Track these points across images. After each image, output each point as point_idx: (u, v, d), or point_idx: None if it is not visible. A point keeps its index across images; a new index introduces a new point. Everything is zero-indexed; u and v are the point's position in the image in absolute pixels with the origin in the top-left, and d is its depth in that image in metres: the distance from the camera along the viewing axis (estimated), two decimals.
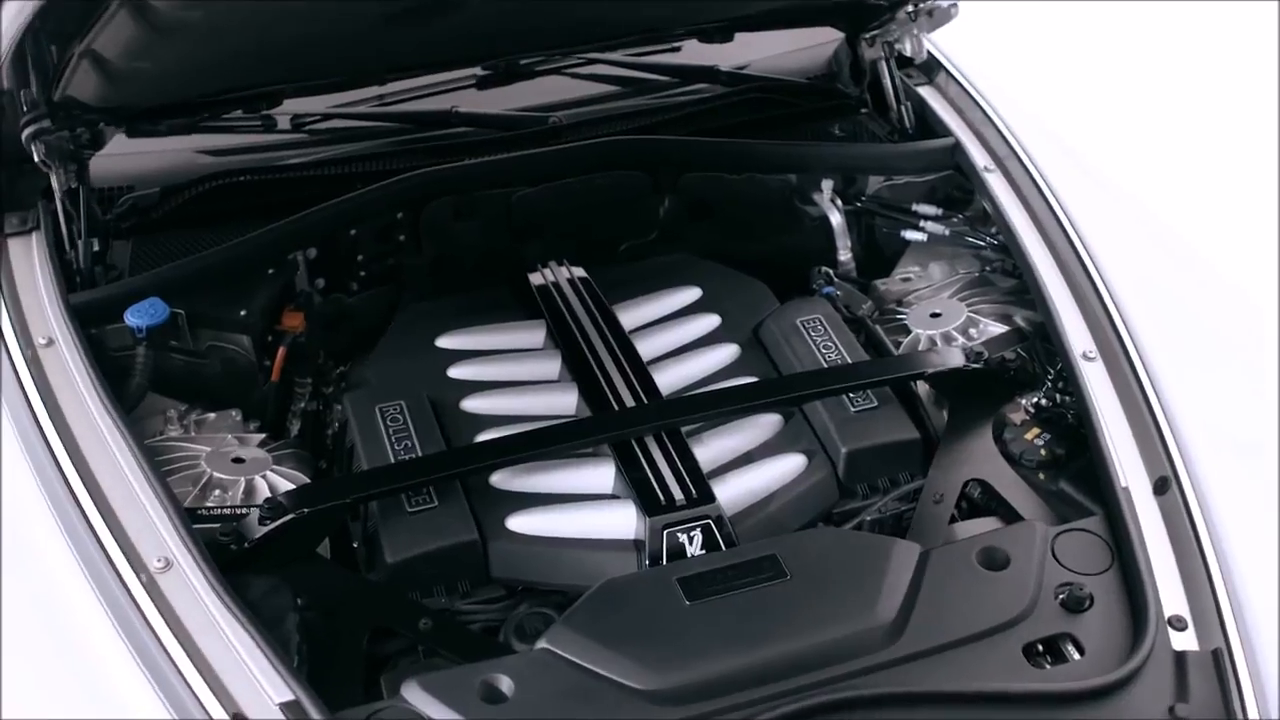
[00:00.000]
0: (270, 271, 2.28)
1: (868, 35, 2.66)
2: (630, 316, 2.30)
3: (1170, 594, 1.72)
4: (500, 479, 1.96)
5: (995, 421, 2.09)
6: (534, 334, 2.26)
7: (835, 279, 2.46)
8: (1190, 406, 1.96)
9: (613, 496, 1.94)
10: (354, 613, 1.79)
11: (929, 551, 1.77)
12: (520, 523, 1.90)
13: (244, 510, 1.87)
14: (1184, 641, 1.66)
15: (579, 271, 2.38)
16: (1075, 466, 1.98)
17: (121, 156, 2.40)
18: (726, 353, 2.23)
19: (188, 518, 1.77)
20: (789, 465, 2.01)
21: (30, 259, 2.19)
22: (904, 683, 1.59)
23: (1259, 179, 3.82)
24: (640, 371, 2.12)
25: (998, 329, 2.24)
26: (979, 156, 2.48)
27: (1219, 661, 1.63)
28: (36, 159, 2.13)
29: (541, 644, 1.64)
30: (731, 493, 1.93)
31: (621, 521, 1.88)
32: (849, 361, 2.16)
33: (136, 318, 2.08)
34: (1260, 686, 1.62)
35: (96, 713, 1.55)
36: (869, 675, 1.60)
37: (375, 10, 2.08)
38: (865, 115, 2.71)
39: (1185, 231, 2.45)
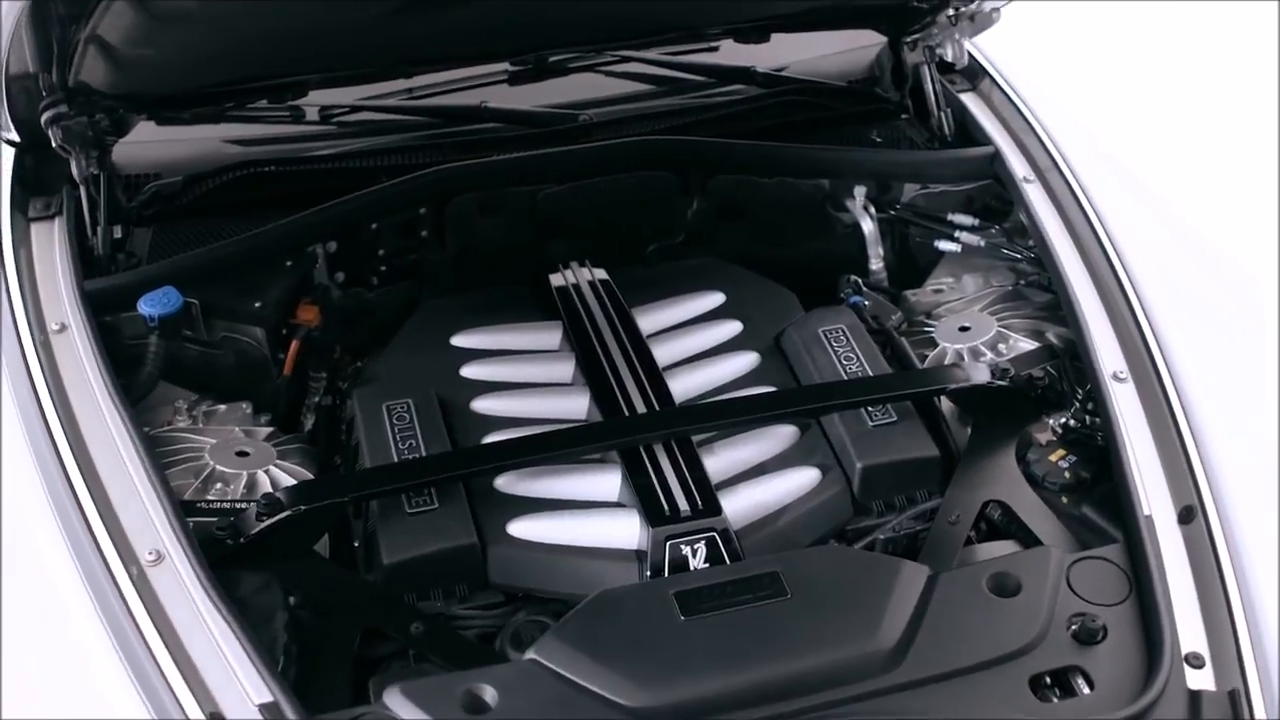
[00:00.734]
0: (288, 264, 2.26)
1: (909, 39, 2.59)
2: (650, 320, 2.25)
3: (1189, 629, 1.64)
4: (504, 482, 1.92)
5: (1020, 441, 2.02)
6: (550, 335, 2.23)
7: (864, 288, 2.40)
8: (1222, 434, 1.87)
9: (618, 505, 1.89)
10: (346, 613, 1.77)
11: (938, 574, 1.70)
12: (521, 528, 1.86)
13: (243, 504, 1.85)
14: (1200, 680, 1.58)
15: (600, 273, 2.34)
16: (1100, 491, 1.91)
17: (150, 144, 2.41)
18: (745, 361, 2.18)
19: (182, 511, 1.76)
20: (802, 479, 1.96)
21: (52, 244, 2.19)
22: (901, 711, 1.53)
23: None
24: (654, 377, 2.07)
25: (1028, 345, 2.17)
26: (1019, 166, 2.41)
27: (1235, 703, 1.55)
28: (54, 144, 2.13)
29: (529, 655, 1.60)
30: (740, 505, 1.88)
31: (624, 531, 1.83)
32: (870, 374, 2.10)
33: (149, 306, 2.07)
34: None
35: (75, 704, 1.54)
36: (865, 701, 1.54)
37: (382, 2, 2.05)
38: (905, 121, 2.65)
39: (1230, 249, 2.35)
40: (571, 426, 2.01)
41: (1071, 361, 2.11)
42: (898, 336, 2.24)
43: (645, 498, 1.85)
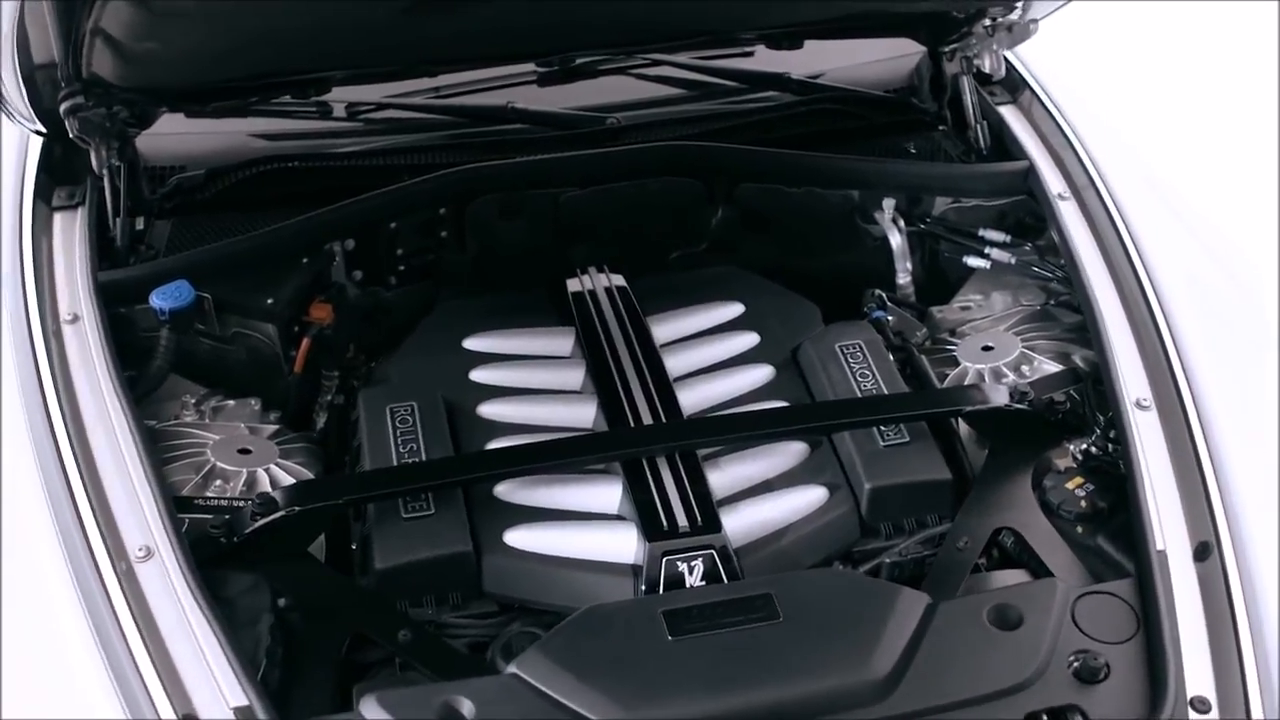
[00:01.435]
0: (304, 261, 2.25)
1: (946, 49, 2.53)
2: (666, 329, 2.22)
3: (1197, 672, 1.57)
4: (505, 490, 1.90)
5: (1038, 467, 1.96)
6: (563, 341, 2.20)
7: (889, 303, 2.34)
8: (1246, 469, 1.80)
9: (617, 517, 1.86)
10: (335, 617, 1.75)
11: (937, 604, 1.65)
12: (518, 537, 1.83)
13: (240, 503, 1.84)
14: None
15: (618, 279, 2.30)
16: (1117, 522, 1.84)
17: (179, 136, 2.41)
18: (760, 374, 2.14)
19: (177, 507, 1.75)
20: (808, 498, 1.91)
21: (73, 234, 2.20)
22: None
23: None
24: (664, 388, 2.04)
25: (1052, 368, 2.11)
26: (1054, 182, 2.34)
27: None
28: (71, 134, 2.13)
29: (511, 669, 1.57)
30: (741, 523, 1.84)
31: (621, 544, 1.80)
32: (884, 392, 2.05)
33: (161, 300, 2.07)
34: None
35: (52, 697, 1.54)
36: None
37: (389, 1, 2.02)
38: (941, 133, 2.58)
39: (1270, 273, 2.27)
40: (573, 436, 1.98)
41: (1095, 386, 2.05)
42: (918, 354, 2.18)
43: (644, 511, 1.82)
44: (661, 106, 2.58)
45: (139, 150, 2.37)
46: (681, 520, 1.80)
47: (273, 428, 2.07)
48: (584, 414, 2.03)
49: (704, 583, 1.75)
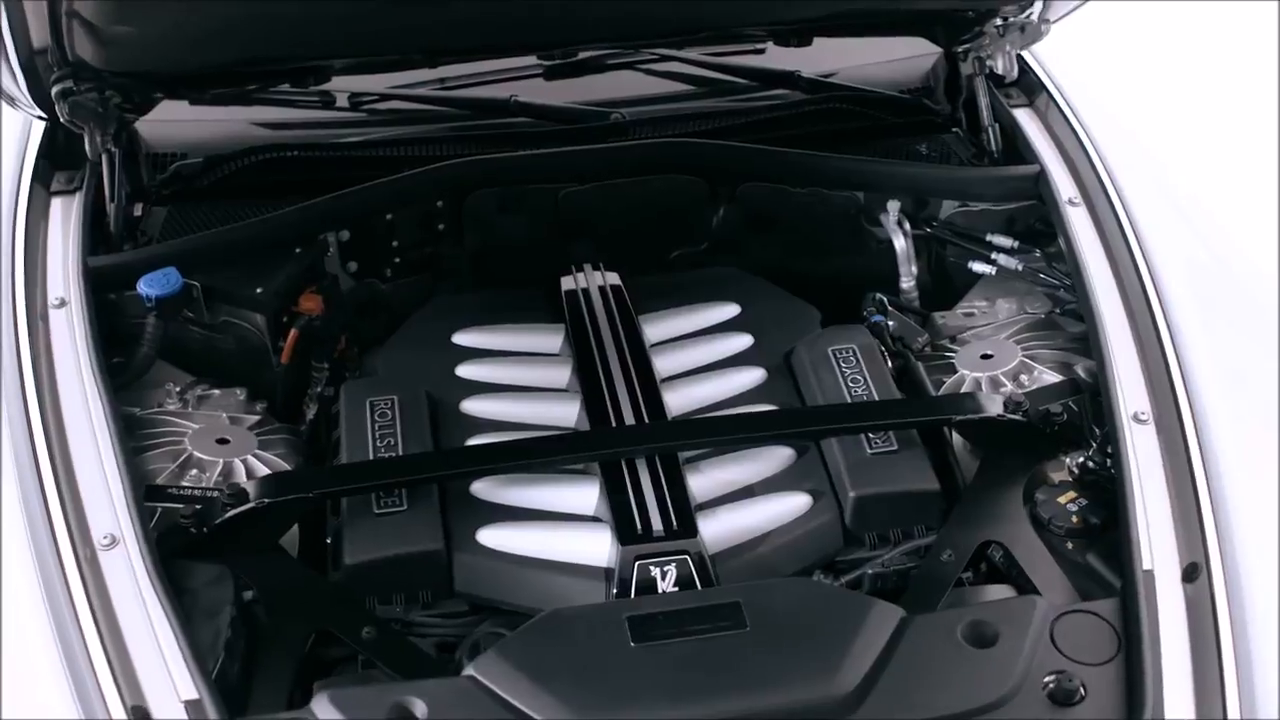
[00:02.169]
0: (298, 251, 2.23)
1: (959, 50, 2.47)
2: (658, 329, 2.18)
3: (1177, 697, 1.52)
4: (481, 488, 1.87)
5: (1031, 480, 1.90)
6: (553, 339, 2.16)
7: (890, 307, 2.28)
8: (1243, 488, 1.74)
9: (593, 519, 1.82)
10: (300, 612, 1.73)
11: (911, 617, 1.60)
12: (491, 536, 1.80)
13: (213, 493, 1.83)
14: None
15: (613, 278, 2.27)
16: (1110, 539, 1.78)
17: (181, 123, 2.41)
18: (750, 377, 2.09)
19: (146, 495, 1.74)
20: (790, 505, 1.87)
21: (69, 219, 2.19)
22: None
23: None
24: (649, 389, 2.00)
25: (1052, 378, 2.04)
26: (1065, 188, 2.28)
27: None
28: (62, 119, 2.13)
29: (468, 671, 1.54)
30: (719, 529, 1.80)
31: (595, 547, 1.77)
32: (875, 398, 2.00)
33: (148, 287, 2.05)
34: None
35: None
36: None
37: None
38: (954, 136, 2.52)
39: None
40: (551, 435, 1.95)
41: (1094, 398, 1.98)
42: (914, 360, 2.13)
43: (619, 514, 1.78)
44: (669, 103, 2.54)
45: (144, 136, 2.37)
46: (657, 524, 1.77)
47: (254, 418, 2.04)
48: (567, 413, 2.00)
49: (676, 589, 1.71)
